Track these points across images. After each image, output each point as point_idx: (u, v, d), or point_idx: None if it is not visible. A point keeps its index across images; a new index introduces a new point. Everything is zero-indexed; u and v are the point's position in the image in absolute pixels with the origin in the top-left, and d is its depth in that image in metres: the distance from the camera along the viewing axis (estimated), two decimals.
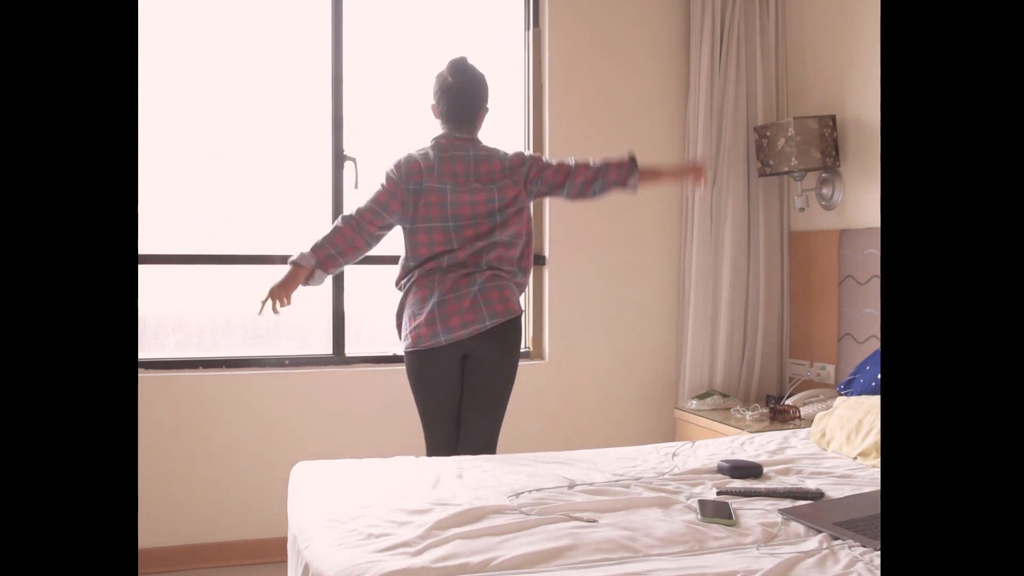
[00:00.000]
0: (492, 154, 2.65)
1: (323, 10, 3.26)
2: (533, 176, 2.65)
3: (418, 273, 2.60)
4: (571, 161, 2.68)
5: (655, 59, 3.55)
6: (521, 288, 2.69)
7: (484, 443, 2.63)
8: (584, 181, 2.65)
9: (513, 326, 2.60)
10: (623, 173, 2.66)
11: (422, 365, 2.60)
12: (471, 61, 2.67)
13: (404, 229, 2.64)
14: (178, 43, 3.15)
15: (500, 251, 2.60)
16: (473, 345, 2.56)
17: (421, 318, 2.56)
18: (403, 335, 2.65)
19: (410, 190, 2.58)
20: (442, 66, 2.66)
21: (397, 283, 2.70)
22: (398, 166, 2.62)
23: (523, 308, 2.66)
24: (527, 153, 2.70)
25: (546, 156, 2.79)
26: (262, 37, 3.25)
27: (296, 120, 3.28)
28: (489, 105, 2.70)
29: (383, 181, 2.63)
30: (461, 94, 2.62)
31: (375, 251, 3.29)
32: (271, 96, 3.25)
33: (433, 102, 2.67)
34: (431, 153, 2.62)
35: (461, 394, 2.63)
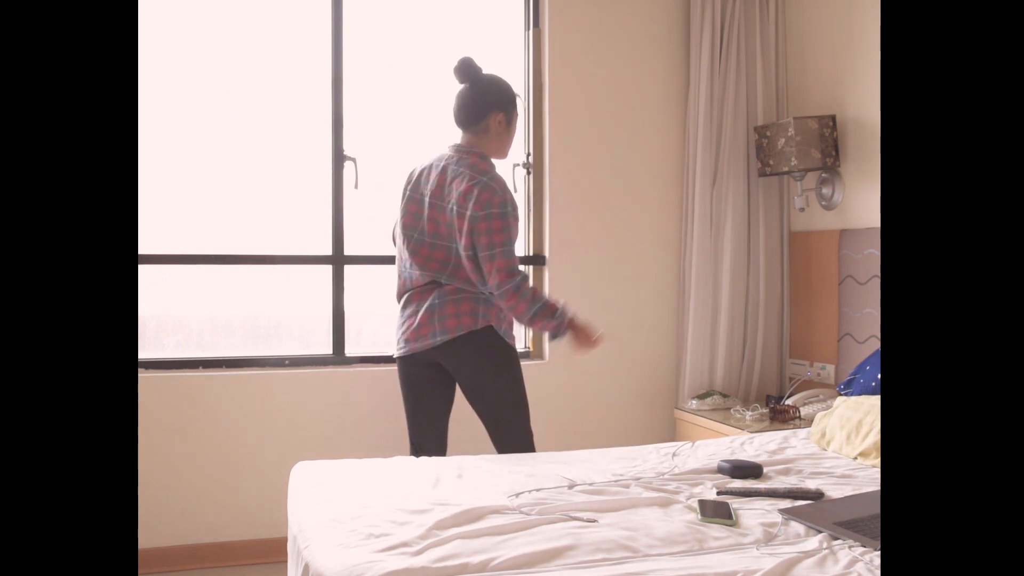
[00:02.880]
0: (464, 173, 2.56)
1: (323, 10, 3.26)
2: (472, 241, 2.50)
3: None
4: (500, 270, 2.46)
5: (655, 59, 3.55)
6: (491, 301, 2.57)
7: (507, 447, 2.67)
8: (506, 306, 2.50)
9: (472, 339, 2.55)
10: (549, 333, 2.58)
11: (399, 370, 2.76)
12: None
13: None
14: (178, 43, 3.15)
15: (459, 265, 2.56)
16: (439, 358, 2.63)
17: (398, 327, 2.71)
18: None
19: None
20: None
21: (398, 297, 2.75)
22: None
23: (486, 322, 2.55)
24: (477, 195, 2.47)
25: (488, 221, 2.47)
26: (262, 37, 3.25)
27: (296, 120, 3.28)
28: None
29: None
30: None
31: (375, 251, 3.31)
32: (271, 96, 3.25)
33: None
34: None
35: (427, 403, 2.73)
